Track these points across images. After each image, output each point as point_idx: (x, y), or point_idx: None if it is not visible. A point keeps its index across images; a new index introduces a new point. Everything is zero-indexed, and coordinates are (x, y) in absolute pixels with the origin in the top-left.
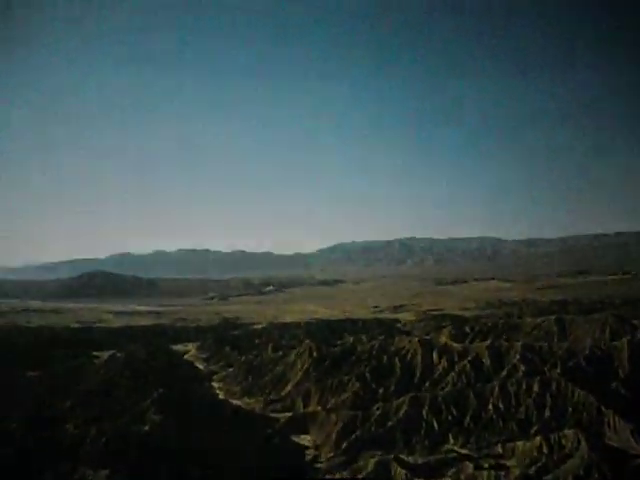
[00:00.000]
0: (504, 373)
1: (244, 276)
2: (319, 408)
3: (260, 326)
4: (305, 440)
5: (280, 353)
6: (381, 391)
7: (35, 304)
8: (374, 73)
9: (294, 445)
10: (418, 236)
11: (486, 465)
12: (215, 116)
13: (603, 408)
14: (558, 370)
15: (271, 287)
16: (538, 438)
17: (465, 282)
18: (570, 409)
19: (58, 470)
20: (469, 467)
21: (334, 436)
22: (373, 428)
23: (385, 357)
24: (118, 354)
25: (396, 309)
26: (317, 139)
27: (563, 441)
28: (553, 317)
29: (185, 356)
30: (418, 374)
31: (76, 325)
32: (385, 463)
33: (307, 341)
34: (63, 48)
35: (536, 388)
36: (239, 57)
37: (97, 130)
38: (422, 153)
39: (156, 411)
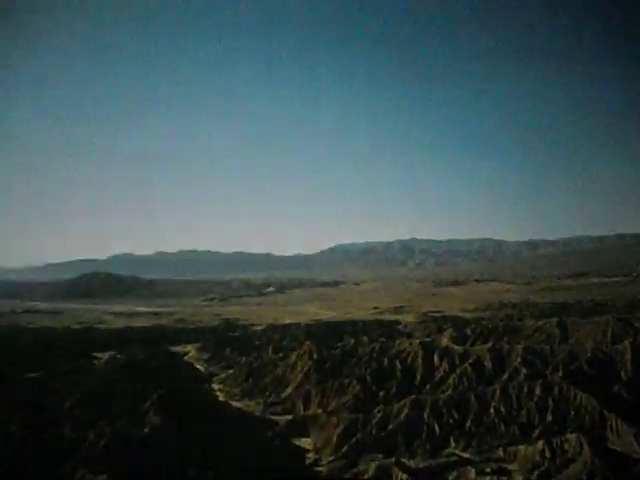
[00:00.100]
0: (505, 376)
1: (244, 277)
2: (320, 411)
3: (260, 327)
4: (306, 443)
5: (280, 355)
6: (382, 394)
7: (36, 305)
8: (374, 73)
9: (294, 448)
10: (419, 237)
11: (488, 469)
12: (215, 116)
13: (605, 412)
14: (560, 373)
15: (271, 288)
16: (540, 442)
17: (466, 283)
18: (572, 413)
19: (58, 472)
20: (471, 471)
21: (335, 439)
22: (374, 431)
23: (386, 359)
24: (118, 355)
25: (397, 310)
26: (318, 139)
27: (565, 445)
28: (554, 319)
29: (185, 357)
30: (419, 377)
31: (76, 326)
32: (386, 467)
33: (307, 343)
34: (63, 48)
35: (538, 391)
36: (239, 57)
37: (97, 130)
38: (423, 153)
39: (156, 413)
